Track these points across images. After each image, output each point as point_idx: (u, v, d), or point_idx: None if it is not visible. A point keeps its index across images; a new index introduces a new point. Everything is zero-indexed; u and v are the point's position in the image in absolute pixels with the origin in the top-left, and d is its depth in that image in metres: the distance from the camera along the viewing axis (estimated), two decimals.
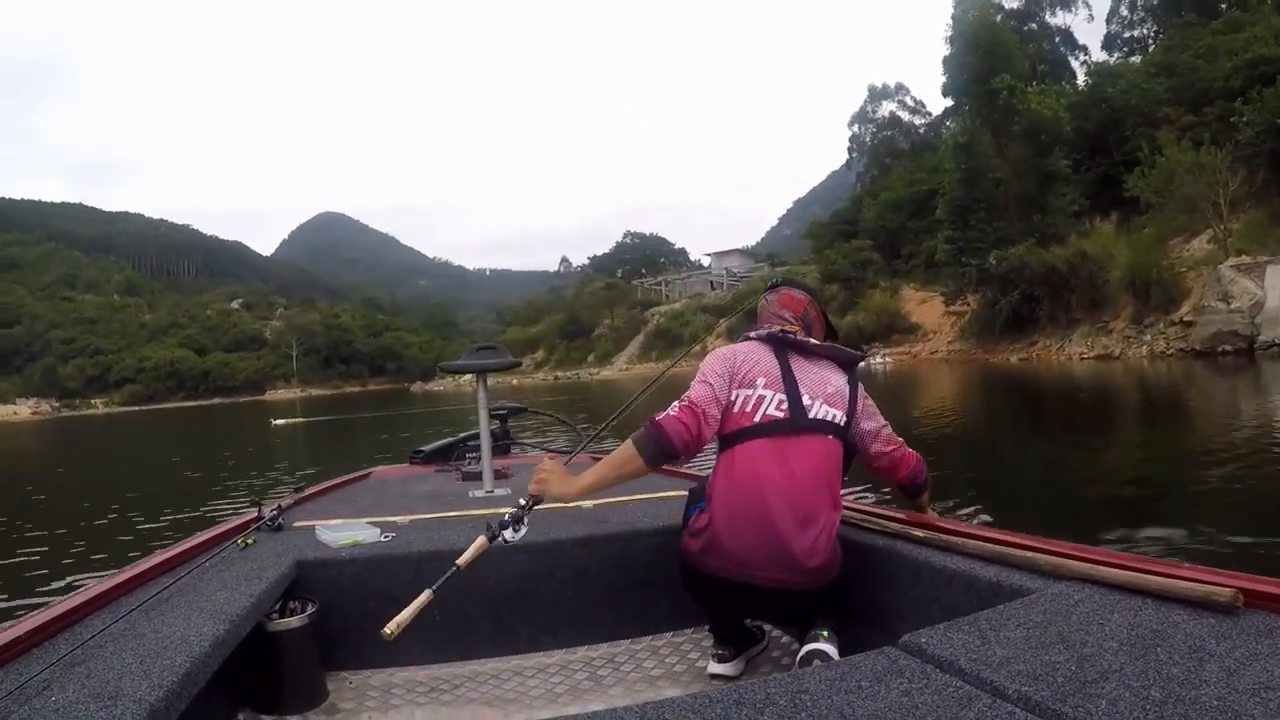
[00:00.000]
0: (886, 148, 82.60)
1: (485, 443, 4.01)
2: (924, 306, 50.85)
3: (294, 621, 2.54)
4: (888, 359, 45.77)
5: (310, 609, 2.61)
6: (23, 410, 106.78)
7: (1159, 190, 33.53)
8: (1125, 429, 13.00)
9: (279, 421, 31.80)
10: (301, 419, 34.18)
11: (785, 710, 1.34)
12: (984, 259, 37.30)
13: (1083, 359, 30.84)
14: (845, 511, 2.74)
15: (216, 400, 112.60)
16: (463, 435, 5.38)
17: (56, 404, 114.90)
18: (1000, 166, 39.38)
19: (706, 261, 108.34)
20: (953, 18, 44.35)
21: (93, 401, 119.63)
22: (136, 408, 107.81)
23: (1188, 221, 33.99)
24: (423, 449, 5.33)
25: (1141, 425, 13.40)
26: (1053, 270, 34.12)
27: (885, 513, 2.73)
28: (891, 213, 61.58)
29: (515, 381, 68.32)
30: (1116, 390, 19.96)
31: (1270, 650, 1.40)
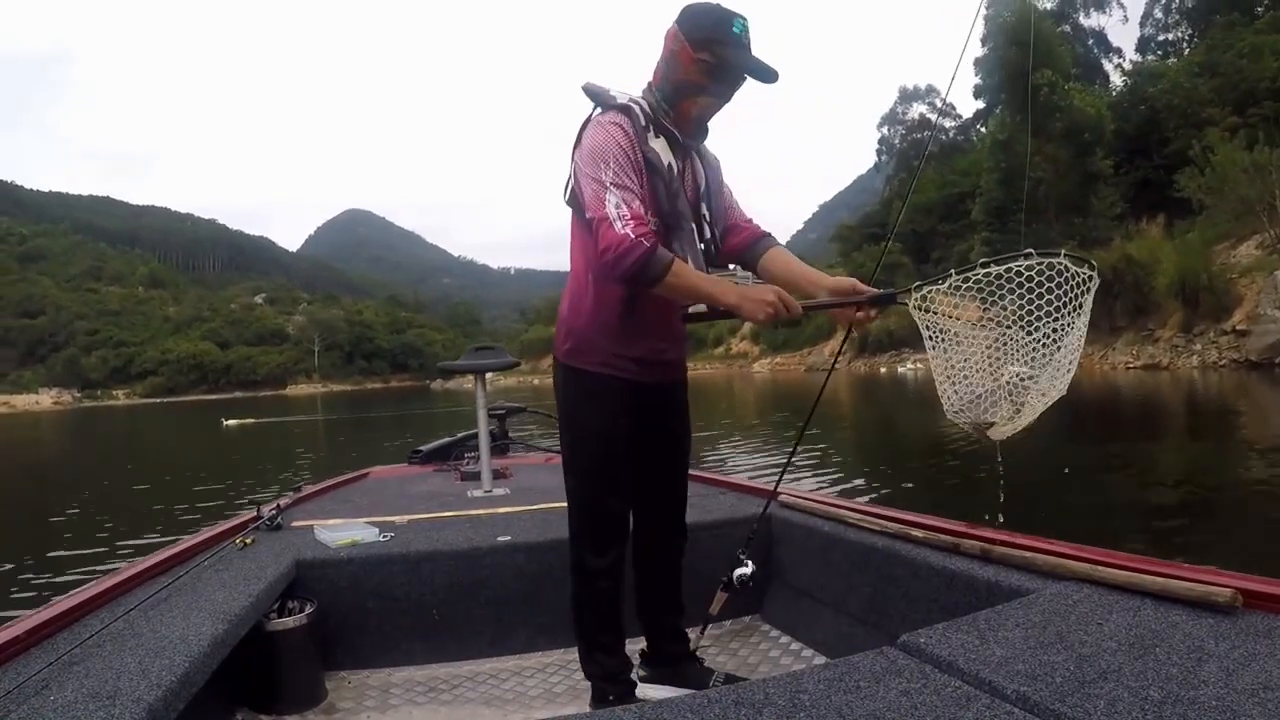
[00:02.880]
0: (916, 150, 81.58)
1: (484, 443, 4.02)
2: (956, 311, 49.53)
3: (292, 621, 2.52)
4: (919, 365, 44.44)
5: (309, 609, 2.58)
6: (44, 400, 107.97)
7: (1214, 191, 32.10)
8: (1172, 447, 11.76)
9: (230, 422, 30.83)
10: (253, 419, 33.18)
11: (784, 710, 1.32)
12: None
13: (1128, 368, 29.46)
14: (842, 511, 2.82)
15: (238, 394, 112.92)
16: (461, 435, 5.36)
17: (78, 394, 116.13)
18: (1040, 166, 37.98)
19: (732, 265, 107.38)
20: (986, 18, 43.35)
21: (114, 392, 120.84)
22: (158, 400, 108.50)
23: (1234, 226, 32.53)
24: (421, 449, 5.32)
25: (1190, 442, 12.15)
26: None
27: (885, 512, 2.68)
28: (922, 216, 60.43)
29: (536, 382, 67.54)
30: (1164, 402, 18.64)
31: (1269, 650, 1.40)
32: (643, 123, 2.15)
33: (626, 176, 2.07)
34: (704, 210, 2.30)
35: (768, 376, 54.35)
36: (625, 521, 2.40)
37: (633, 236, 1.99)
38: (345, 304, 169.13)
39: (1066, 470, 8.89)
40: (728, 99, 2.20)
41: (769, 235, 2.44)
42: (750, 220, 2.46)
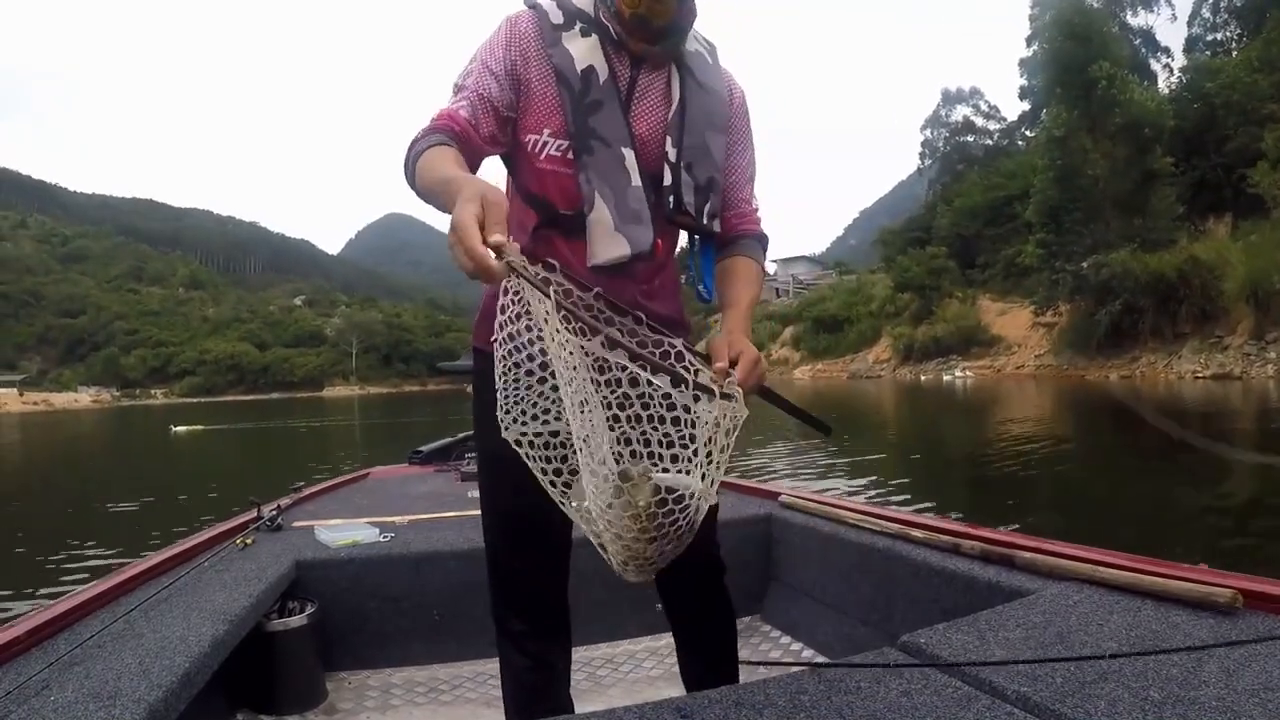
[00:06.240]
0: (960, 154, 80.00)
1: None
2: (1004, 318, 47.82)
3: (293, 622, 2.51)
4: (968, 373, 42.70)
5: (309, 609, 2.57)
6: (83, 398, 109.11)
7: None
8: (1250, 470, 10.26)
9: (179, 428, 29.22)
10: (202, 426, 31.50)
11: (784, 711, 1.32)
12: (1078, 265, 34.21)
13: (1196, 378, 27.76)
14: (843, 511, 2.83)
15: (275, 395, 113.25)
16: (462, 435, 5.29)
17: (117, 393, 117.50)
18: (1098, 164, 36.11)
19: (772, 269, 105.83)
20: (1030, 17, 41.92)
21: (152, 392, 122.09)
22: (195, 400, 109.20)
23: None
24: (421, 449, 5.30)
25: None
26: (1160, 278, 30.93)
27: (885, 513, 2.71)
28: (967, 220, 58.83)
29: None
30: (1240, 417, 16.92)
31: (1269, 651, 1.41)
32: (556, 20, 1.59)
33: (471, 79, 1.58)
34: (668, 146, 1.61)
35: (808, 384, 52.93)
36: (543, 588, 1.79)
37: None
38: (384, 307, 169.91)
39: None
40: None
41: (747, 235, 1.75)
42: (746, 204, 1.76)
